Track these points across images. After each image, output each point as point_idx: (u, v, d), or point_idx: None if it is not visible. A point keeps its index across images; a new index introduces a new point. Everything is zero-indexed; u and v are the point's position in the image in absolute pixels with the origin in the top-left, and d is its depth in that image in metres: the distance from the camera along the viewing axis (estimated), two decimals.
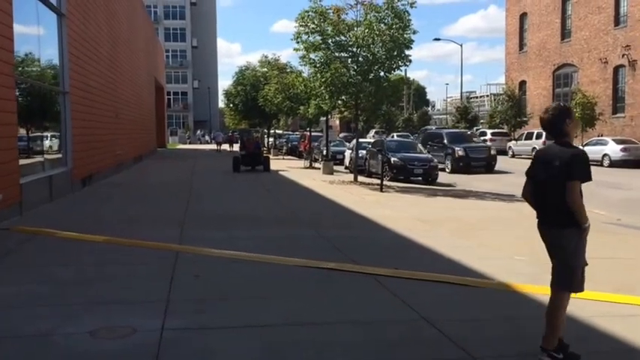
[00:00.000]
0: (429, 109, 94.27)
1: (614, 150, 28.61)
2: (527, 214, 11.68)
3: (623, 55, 35.04)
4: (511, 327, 4.91)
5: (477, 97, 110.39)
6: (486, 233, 9.51)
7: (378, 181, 17.35)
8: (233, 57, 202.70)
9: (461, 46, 76.17)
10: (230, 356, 4.20)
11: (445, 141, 26.29)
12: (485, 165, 25.44)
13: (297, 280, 6.28)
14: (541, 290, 5.89)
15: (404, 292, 5.71)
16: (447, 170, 25.02)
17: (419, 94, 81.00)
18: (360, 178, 19.50)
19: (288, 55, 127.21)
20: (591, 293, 5.79)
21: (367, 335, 4.62)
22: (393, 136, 43.12)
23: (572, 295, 4.04)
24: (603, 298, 5.66)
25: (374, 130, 57.22)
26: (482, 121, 56.13)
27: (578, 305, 5.39)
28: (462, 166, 24.76)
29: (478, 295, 5.84)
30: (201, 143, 69.95)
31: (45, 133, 14.07)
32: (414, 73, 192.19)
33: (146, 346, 4.25)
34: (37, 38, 13.34)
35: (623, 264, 7.49)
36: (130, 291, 5.69)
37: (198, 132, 74.78)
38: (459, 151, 25.08)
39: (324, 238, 8.67)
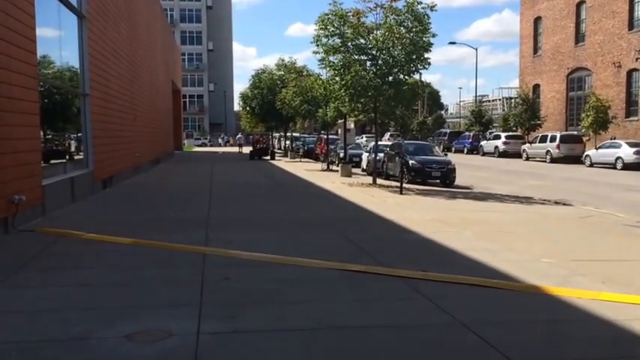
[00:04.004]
0: (443, 112, 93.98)
1: (627, 153, 28.60)
2: (551, 216, 11.67)
3: (636, 59, 34.78)
4: (550, 331, 4.81)
5: (489, 101, 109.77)
6: (511, 236, 9.40)
7: (397, 184, 17.26)
8: (248, 60, 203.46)
9: (476, 49, 75.65)
10: None
11: None
12: None
13: (328, 282, 6.22)
14: (574, 293, 5.81)
15: (435, 295, 5.65)
16: None
17: (433, 97, 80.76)
18: (379, 181, 19.46)
19: (304, 58, 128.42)
20: (626, 296, 5.70)
21: (404, 340, 4.54)
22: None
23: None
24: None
25: (389, 134, 57.23)
26: (495, 124, 56.01)
27: (614, 308, 5.31)
28: None
29: (510, 297, 5.76)
30: (221, 146, 73.30)
31: (66, 135, 14.15)
32: (427, 77, 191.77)
33: (184, 350, 4.21)
34: (59, 40, 13.42)
35: None
36: (161, 294, 5.67)
37: (222, 135, 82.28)
38: None
39: (349, 241, 8.61)
